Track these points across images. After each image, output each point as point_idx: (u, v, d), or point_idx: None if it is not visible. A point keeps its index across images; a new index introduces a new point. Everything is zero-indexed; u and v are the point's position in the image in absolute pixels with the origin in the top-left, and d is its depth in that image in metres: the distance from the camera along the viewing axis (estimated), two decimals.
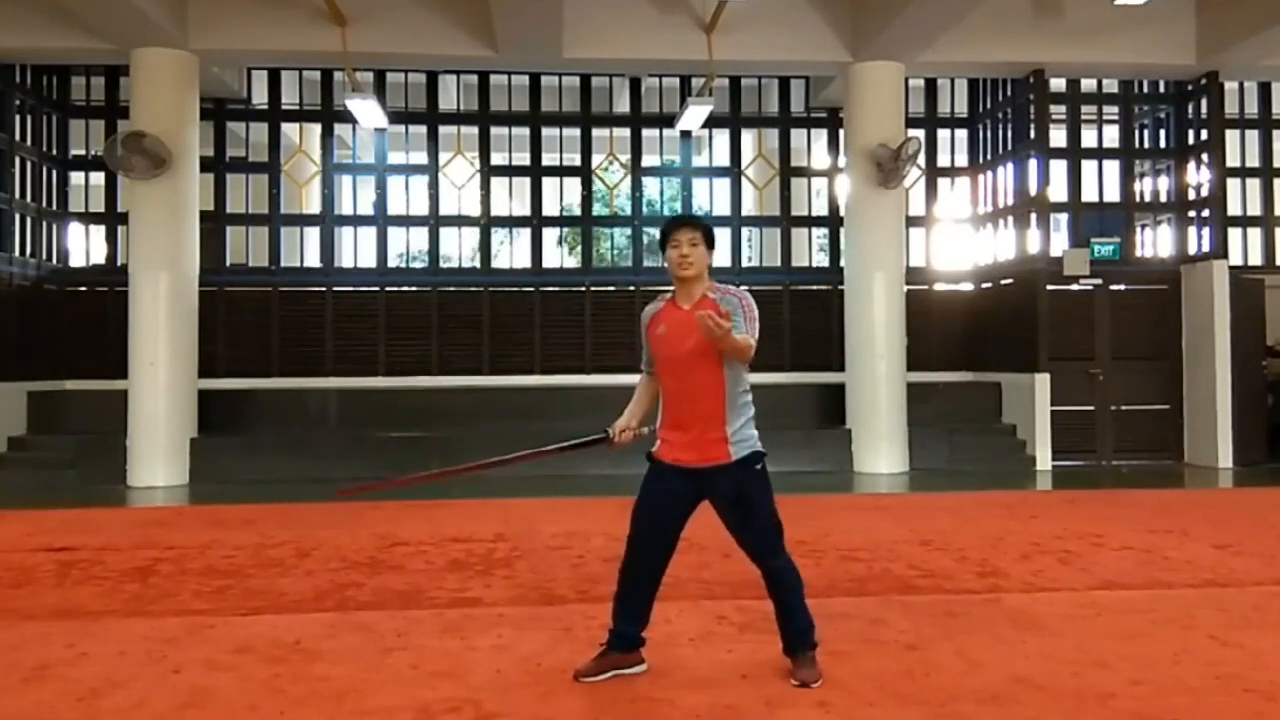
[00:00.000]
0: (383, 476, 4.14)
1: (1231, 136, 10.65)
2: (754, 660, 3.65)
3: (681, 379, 3.38)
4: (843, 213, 10.83)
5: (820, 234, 11.74)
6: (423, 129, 11.25)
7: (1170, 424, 10.51)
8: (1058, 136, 10.74)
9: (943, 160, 11.90)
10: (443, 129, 11.27)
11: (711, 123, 11.12)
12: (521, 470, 8.48)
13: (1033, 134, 10.25)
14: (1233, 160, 10.68)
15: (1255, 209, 10.95)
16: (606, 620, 3.54)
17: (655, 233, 3.50)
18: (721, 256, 11.41)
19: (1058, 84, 10.58)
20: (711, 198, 11.64)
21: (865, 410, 9.84)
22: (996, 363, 10.82)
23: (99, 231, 10.86)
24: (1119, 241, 10.59)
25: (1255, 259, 10.92)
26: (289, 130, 11.27)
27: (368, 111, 9.89)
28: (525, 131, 11.30)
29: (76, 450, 9.42)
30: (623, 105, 11.68)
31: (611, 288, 11.32)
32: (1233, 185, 10.71)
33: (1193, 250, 10.55)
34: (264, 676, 3.52)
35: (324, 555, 5.69)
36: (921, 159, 10.92)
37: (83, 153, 10.77)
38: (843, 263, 10.75)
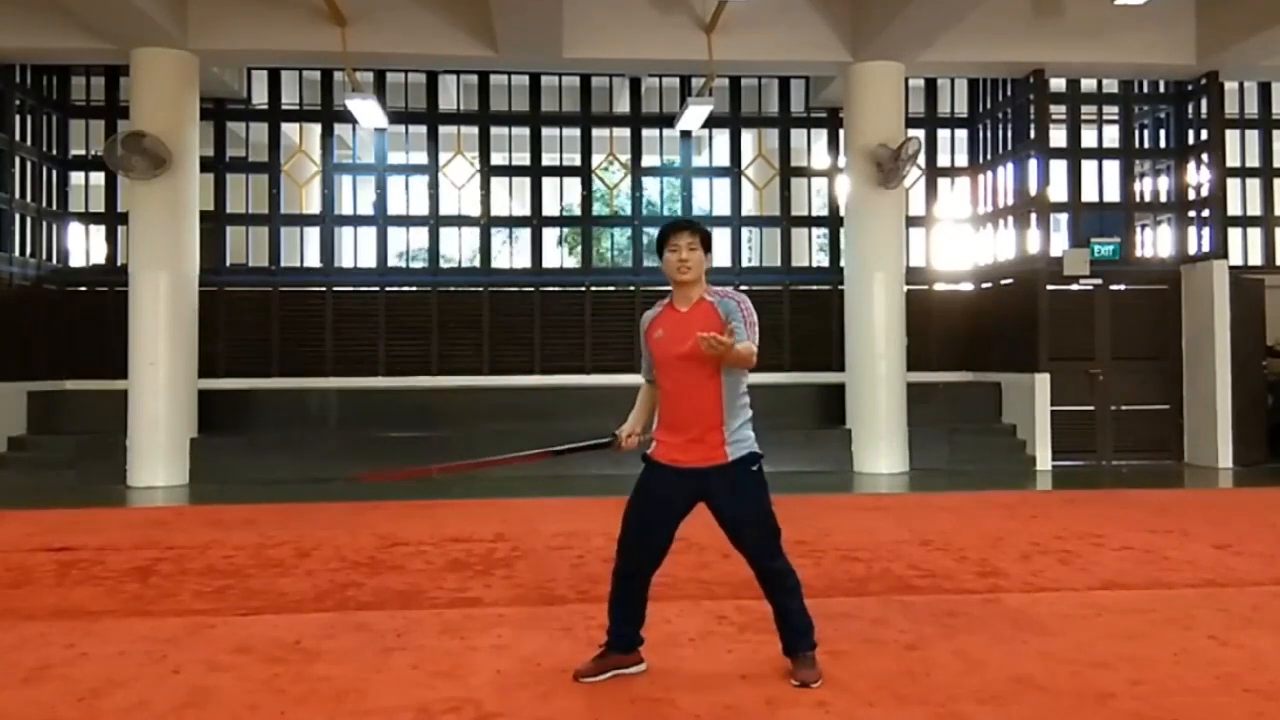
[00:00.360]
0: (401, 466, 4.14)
1: (1231, 136, 10.64)
2: (754, 660, 3.65)
3: (679, 381, 3.38)
4: (843, 213, 10.84)
5: (820, 234, 11.74)
6: (423, 129, 11.25)
7: (1170, 424, 10.51)
8: (1058, 136, 10.74)
9: (943, 160, 11.89)
10: (443, 129, 11.27)
11: (711, 123, 11.12)
12: (522, 470, 8.50)
13: (1033, 134, 10.25)
14: (1233, 160, 10.68)
15: (1255, 209, 10.95)
16: (605, 621, 3.54)
17: (655, 233, 3.48)
18: (721, 256, 11.43)
19: (1058, 84, 10.58)
20: (711, 198, 11.64)
21: (865, 410, 9.84)
22: (996, 363, 10.82)
23: (99, 231, 10.86)
24: (1119, 241, 10.59)
25: (1255, 259, 10.92)
26: (289, 130, 11.27)
27: (368, 111, 9.89)
28: (525, 131, 11.30)
29: (76, 450, 9.41)
30: (623, 105, 11.68)
31: (611, 288, 11.33)
32: (1233, 185, 10.71)
33: (1193, 250, 10.55)
34: (264, 676, 3.52)
35: (324, 555, 5.69)
36: (921, 159, 10.92)
37: (83, 153, 10.77)
38: (843, 263, 10.75)
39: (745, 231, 12.03)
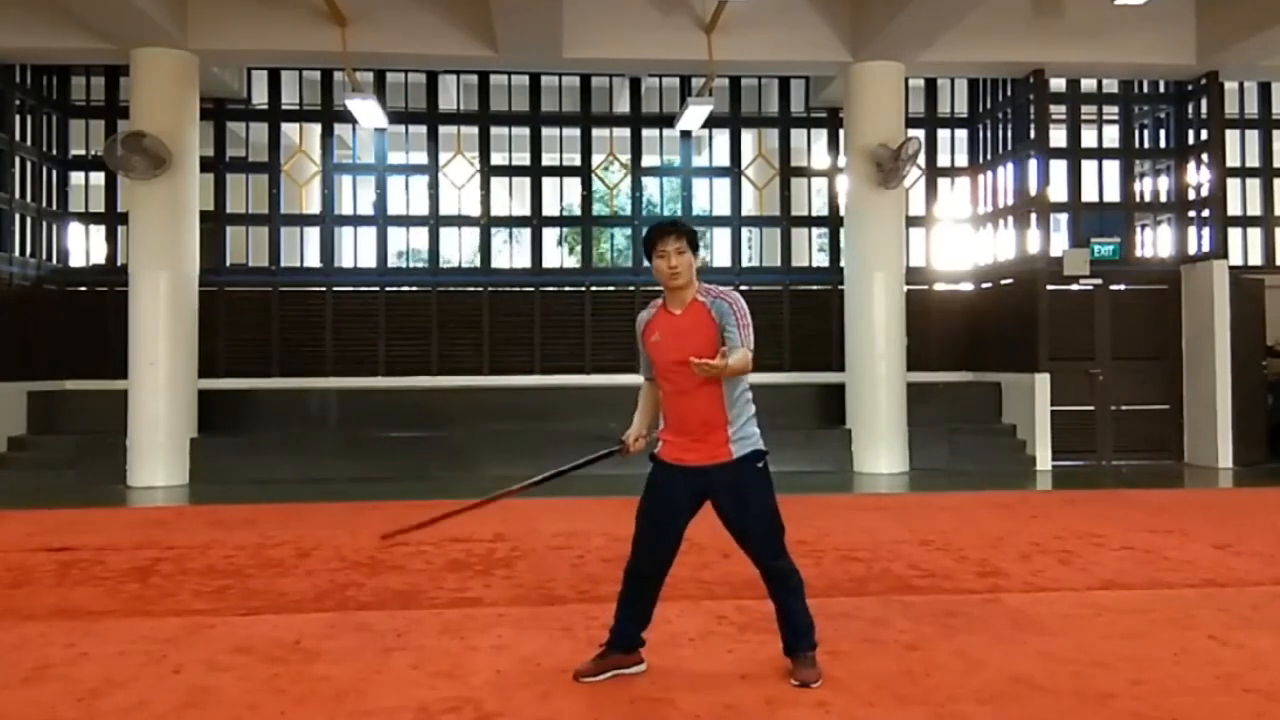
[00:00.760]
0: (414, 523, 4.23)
1: (1231, 136, 10.64)
2: (754, 660, 3.65)
3: (679, 384, 3.38)
4: (843, 213, 10.84)
5: (820, 234, 11.74)
6: (423, 129, 11.25)
7: (1170, 424, 10.51)
8: (1058, 136, 10.74)
9: (943, 160, 11.89)
10: (443, 129, 11.27)
11: (711, 123, 11.12)
12: (523, 471, 8.48)
13: (1033, 134, 10.24)
14: (1233, 160, 10.68)
15: (1255, 209, 10.95)
16: (606, 620, 3.55)
17: None
18: (721, 256, 11.44)
19: (1058, 84, 10.58)
20: (711, 198, 11.64)
21: (865, 410, 9.84)
22: (996, 363, 10.82)
23: (99, 231, 10.86)
24: (1119, 241, 10.59)
25: (1255, 259, 10.92)
26: (289, 130, 11.27)
27: (368, 111, 9.89)
28: (525, 131, 11.30)
29: (76, 450, 9.41)
30: (623, 105, 11.68)
31: (611, 288, 11.33)
32: (1233, 185, 10.70)
33: (1193, 250, 10.55)
34: (264, 676, 3.52)
35: (324, 555, 5.69)
36: (921, 159, 10.91)
37: (83, 153, 10.77)
38: (843, 263, 10.75)
39: (745, 231, 12.03)
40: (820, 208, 11.80)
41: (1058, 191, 10.68)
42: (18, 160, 10.04)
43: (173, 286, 9.26)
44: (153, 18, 8.48)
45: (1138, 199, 10.96)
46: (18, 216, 10.03)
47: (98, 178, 10.77)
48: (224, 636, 4.03)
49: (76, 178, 10.94)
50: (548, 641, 3.92)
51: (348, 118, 10.51)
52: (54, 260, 10.63)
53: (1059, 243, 11.01)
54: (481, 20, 9.07)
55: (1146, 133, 11.09)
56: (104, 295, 10.42)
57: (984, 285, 11.31)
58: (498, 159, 11.60)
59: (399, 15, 9.34)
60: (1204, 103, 10.40)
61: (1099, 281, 10.49)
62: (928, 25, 8.90)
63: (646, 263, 3.47)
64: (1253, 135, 10.94)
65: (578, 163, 11.35)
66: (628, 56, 9.84)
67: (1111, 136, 11.04)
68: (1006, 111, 10.95)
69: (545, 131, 11.34)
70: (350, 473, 9.36)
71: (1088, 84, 10.83)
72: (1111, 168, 10.89)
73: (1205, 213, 10.40)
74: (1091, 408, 10.39)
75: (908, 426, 9.83)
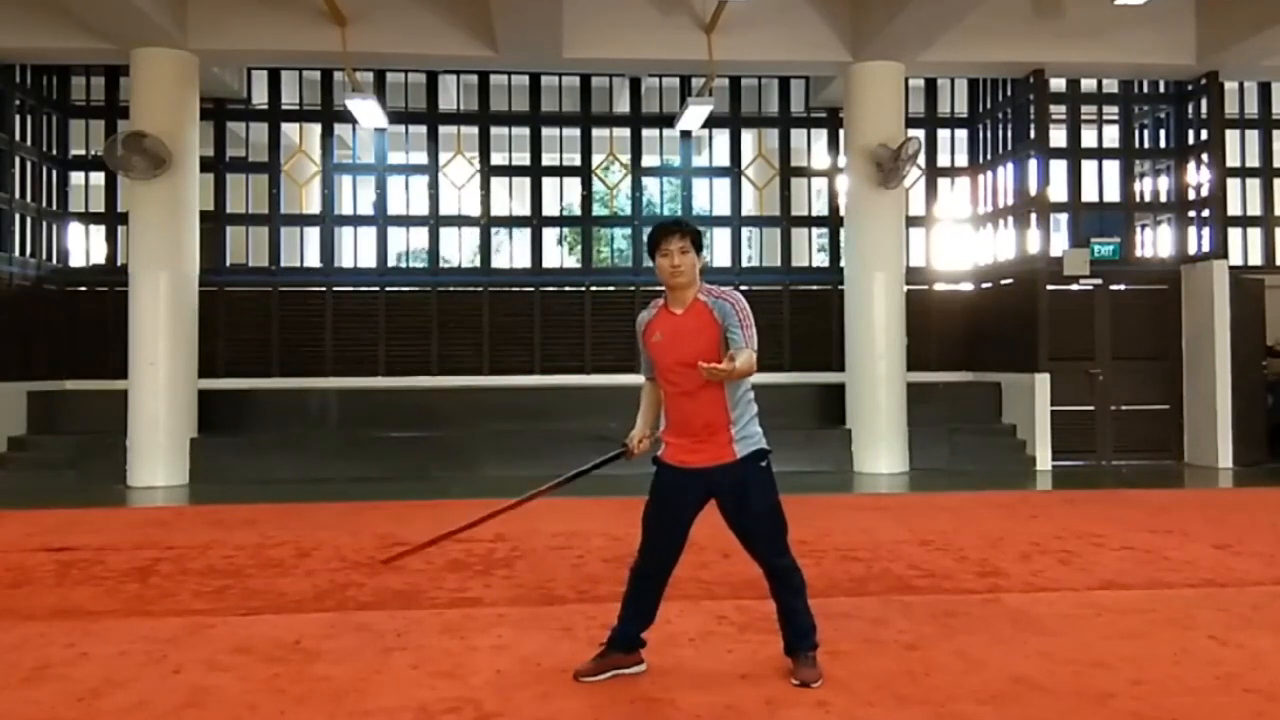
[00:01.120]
0: (411, 545, 4.31)
1: (1231, 136, 10.64)
2: (754, 660, 3.65)
3: (681, 385, 3.37)
4: (843, 213, 10.84)
5: (820, 234, 11.74)
6: (423, 129, 11.25)
7: (1170, 424, 10.51)
8: (1058, 136, 10.74)
9: (943, 160, 11.89)
10: (443, 129, 11.27)
11: (711, 123, 11.12)
12: (523, 471, 8.49)
13: (1033, 134, 10.24)
14: (1233, 160, 10.68)
15: (1255, 209, 10.95)
16: (606, 620, 3.55)
17: None
18: (721, 256, 11.43)
19: (1058, 84, 10.58)
20: (711, 198, 11.64)
21: (865, 410, 9.84)
22: (996, 363, 10.82)
23: (99, 231, 10.85)
24: (1119, 241, 10.59)
25: (1255, 259, 10.92)
26: (289, 130, 11.27)
27: (368, 111, 9.89)
28: (525, 131, 11.30)
29: (76, 450, 9.41)
30: (623, 105, 11.68)
31: (611, 288, 11.33)
32: (1233, 185, 10.70)
33: (1193, 250, 10.55)
34: (264, 676, 3.52)
35: (324, 555, 5.69)
36: (921, 159, 10.91)
37: (83, 153, 10.77)
38: (843, 263, 10.75)
39: (745, 231, 12.03)
40: (820, 208, 11.80)
41: (1058, 191, 10.68)
42: (18, 160, 10.04)
43: (173, 286, 9.26)
44: (153, 18, 8.48)
45: (1138, 199, 10.96)
46: (18, 216, 10.03)
47: (98, 178, 10.77)
48: (224, 636, 4.03)
49: (76, 178, 10.94)
50: (548, 641, 3.92)
51: (348, 118, 10.51)
52: (54, 260, 10.63)
53: (1059, 243, 11.01)
54: (481, 20, 9.07)
55: (1146, 133, 11.09)
56: (104, 295, 10.43)
57: (984, 285, 11.31)
58: (498, 159, 11.60)
59: (399, 15, 9.34)
60: (1204, 103, 10.40)
61: (1099, 281, 10.49)
62: (928, 25, 8.90)
63: (649, 261, 3.46)
64: (1253, 135, 10.94)
65: (578, 163, 11.35)
66: (628, 56, 9.84)
67: (1111, 136, 11.04)
68: (1006, 111, 10.95)
69: (545, 131, 11.34)
70: (350, 473, 9.37)
71: (1088, 84, 10.82)
72: (1111, 168, 10.89)
73: (1205, 213, 10.40)
74: (1091, 408, 10.39)
75: (908, 426, 9.83)
